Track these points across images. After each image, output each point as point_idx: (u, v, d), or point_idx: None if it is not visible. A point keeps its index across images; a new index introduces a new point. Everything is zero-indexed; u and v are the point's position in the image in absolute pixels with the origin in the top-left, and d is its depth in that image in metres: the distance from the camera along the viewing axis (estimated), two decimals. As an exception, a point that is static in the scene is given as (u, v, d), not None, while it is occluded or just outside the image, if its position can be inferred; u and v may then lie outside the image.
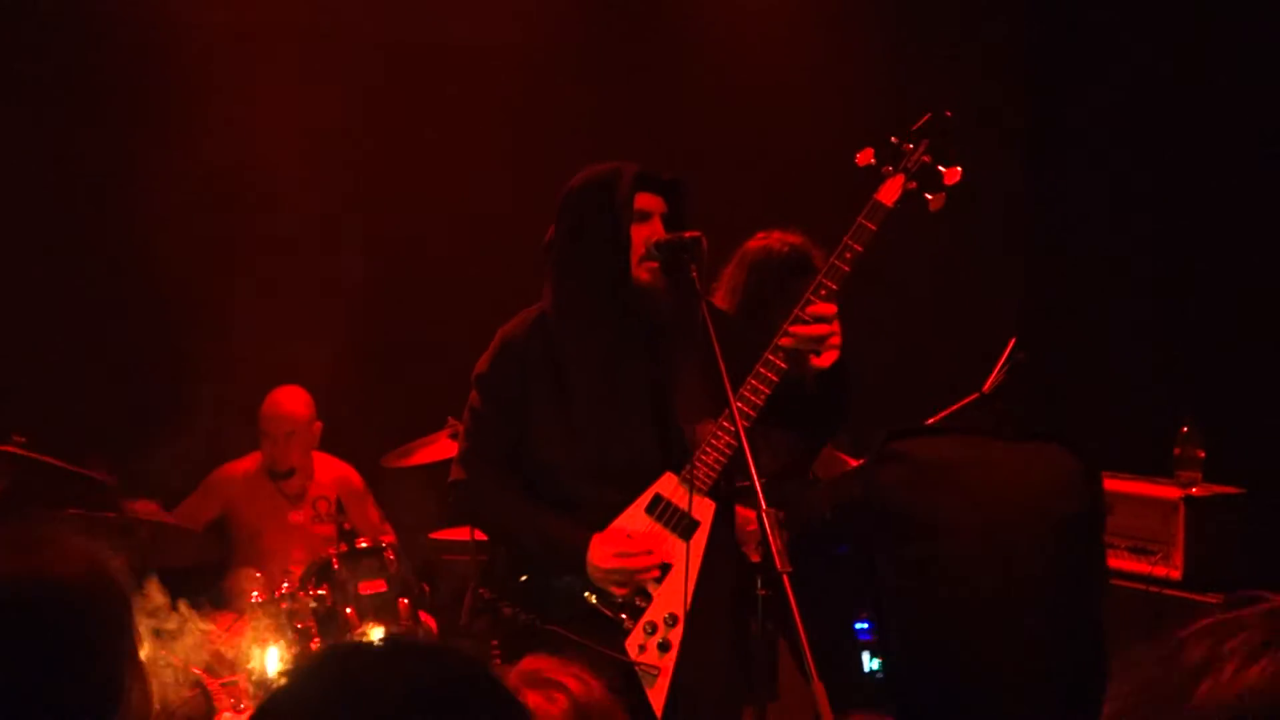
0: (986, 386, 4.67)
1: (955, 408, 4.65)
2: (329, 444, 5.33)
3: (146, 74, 5.43)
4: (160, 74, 5.43)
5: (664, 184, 3.40)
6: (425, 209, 5.74)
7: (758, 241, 4.37)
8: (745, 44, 6.21)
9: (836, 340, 3.22)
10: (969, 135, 3.39)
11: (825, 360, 3.21)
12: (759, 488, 2.85)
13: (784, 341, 3.22)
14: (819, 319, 3.20)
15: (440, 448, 4.82)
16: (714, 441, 3.26)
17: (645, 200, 3.35)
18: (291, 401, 5.14)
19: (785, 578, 2.74)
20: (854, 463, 4.60)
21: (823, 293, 3.23)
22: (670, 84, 6.07)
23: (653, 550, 3.26)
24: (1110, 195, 6.06)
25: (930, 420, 4.62)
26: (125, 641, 1.52)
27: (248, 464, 5.23)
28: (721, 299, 4.13)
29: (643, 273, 3.32)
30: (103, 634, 1.49)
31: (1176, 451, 4.83)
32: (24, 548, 1.49)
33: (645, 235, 3.32)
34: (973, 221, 3.36)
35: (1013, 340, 4.67)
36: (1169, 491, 4.74)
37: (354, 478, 5.33)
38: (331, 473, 5.29)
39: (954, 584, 1.60)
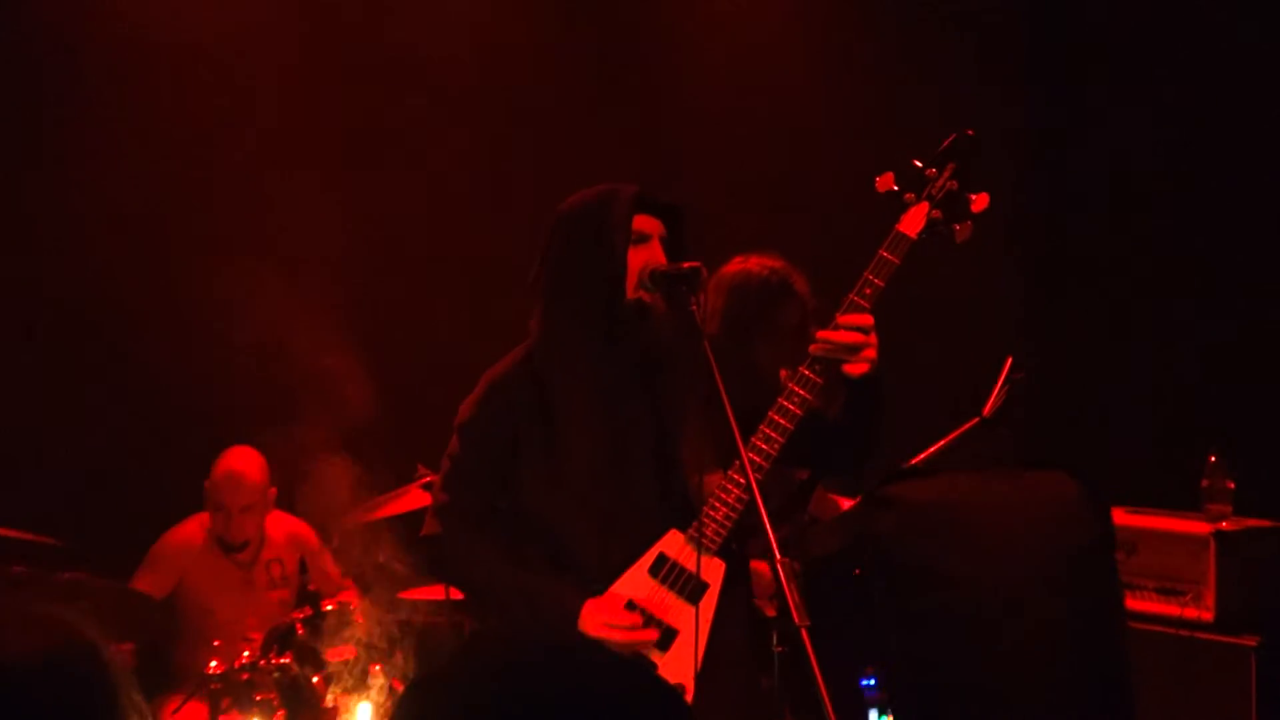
0: (987, 410, 4.66)
1: (955, 435, 4.63)
2: (283, 501, 5.25)
3: (117, 92, 5.38)
4: (133, 96, 5.40)
5: (663, 208, 3.37)
6: (398, 242, 5.73)
7: (735, 266, 4.37)
8: (741, 59, 6.23)
9: (871, 354, 3.18)
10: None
11: (858, 369, 3.17)
12: (772, 537, 2.81)
13: (814, 349, 3.19)
14: (853, 328, 3.17)
15: (411, 499, 4.74)
16: (723, 496, 3.21)
17: (643, 222, 3.33)
18: (247, 470, 5.01)
19: (804, 632, 2.69)
20: (845, 503, 4.58)
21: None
22: (665, 102, 6.10)
23: (650, 619, 3.21)
24: (1131, 214, 6.08)
25: (930, 450, 4.61)
26: None
27: (194, 530, 5.11)
28: None
29: (640, 300, 3.30)
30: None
31: (1205, 483, 4.82)
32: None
33: (644, 259, 3.30)
34: (979, 240, 3.30)
35: (1009, 359, 4.66)
36: (1198, 526, 4.74)
37: (307, 534, 5.26)
38: (282, 531, 5.21)
39: (971, 637, 1.55)
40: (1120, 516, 4.99)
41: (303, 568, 5.08)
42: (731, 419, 2.97)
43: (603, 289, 3.28)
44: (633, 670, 1.21)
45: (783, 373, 3.89)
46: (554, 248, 3.37)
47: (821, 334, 3.20)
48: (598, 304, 3.29)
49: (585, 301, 3.30)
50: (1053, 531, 1.55)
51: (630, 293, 3.28)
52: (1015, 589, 1.55)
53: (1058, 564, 1.57)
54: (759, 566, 3.56)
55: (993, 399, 4.65)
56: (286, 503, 5.22)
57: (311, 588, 4.77)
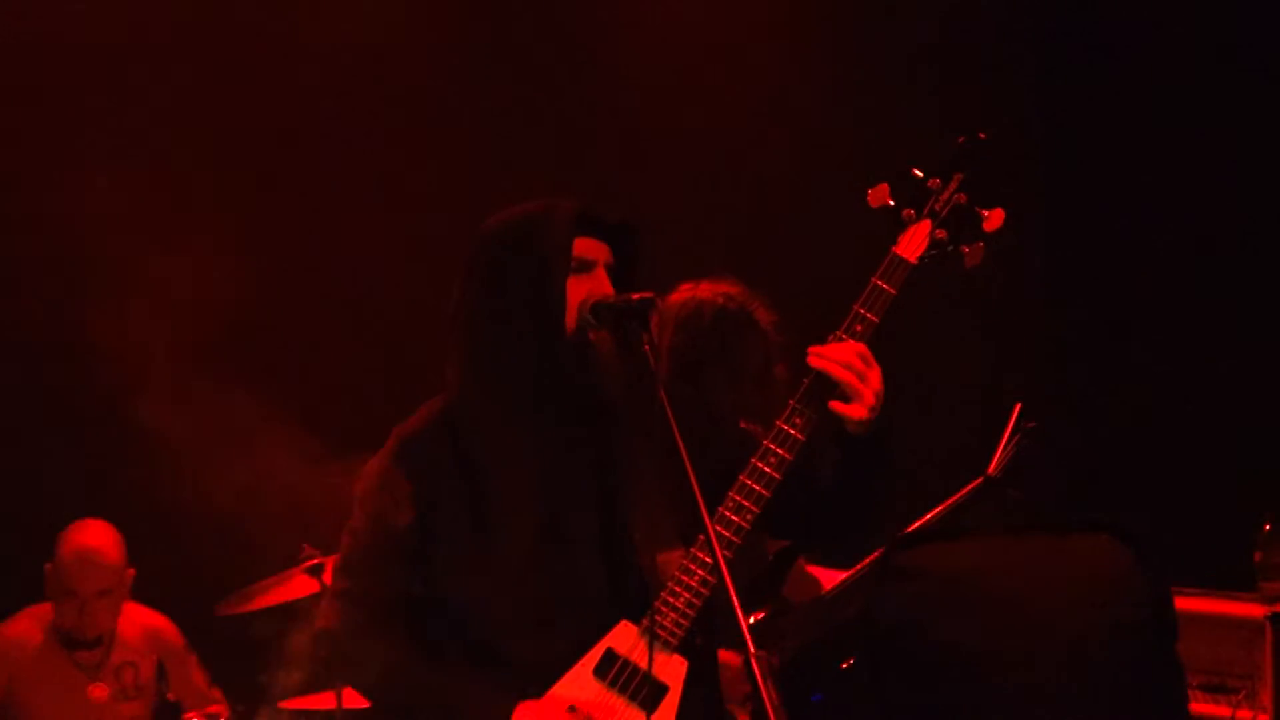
0: (993, 468, 4.69)
1: (956, 498, 4.65)
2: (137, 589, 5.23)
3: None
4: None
5: (609, 229, 3.37)
6: (289, 270, 5.79)
7: (683, 294, 4.40)
8: (702, 49, 6.27)
9: (870, 397, 3.15)
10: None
11: (855, 410, 3.15)
12: (745, 628, 2.80)
13: (812, 361, 3.17)
14: (843, 364, 3.15)
15: (295, 586, 4.68)
16: (684, 578, 3.19)
17: (586, 246, 3.32)
18: (103, 546, 5.00)
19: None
20: (829, 577, 4.57)
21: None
22: (612, 103, 6.13)
23: None
24: (1166, 242, 6.15)
25: (926, 516, 4.63)
26: None
27: (28, 626, 5.06)
28: None
29: (581, 339, 3.28)
30: None
31: (1258, 557, 4.85)
32: None
33: (588, 290, 3.29)
34: (990, 264, 3.32)
35: (1018, 407, 4.68)
36: (1250, 609, 4.77)
37: (169, 631, 5.24)
38: (136, 627, 5.15)
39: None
40: (1156, 598, 5.01)
41: (161, 673, 5.00)
42: (694, 484, 2.96)
43: (537, 327, 3.27)
44: None
45: (743, 424, 3.89)
46: (475, 278, 3.36)
47: (815, 349, 3.18)
48: (530, 346, 3.28)
49: (515, 343, 3.29)
50: (1098, 609, 1.54)
51: (570, 331, 3.27)
52: (1054, 677, 1.54)
53: (1105, 647, 1.56)
54: (729, 658, 3.55)
55: (999, 454, 4.68)
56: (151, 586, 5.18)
57: (171, 697, 4.70)
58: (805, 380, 3.21)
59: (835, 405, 3.16)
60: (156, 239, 5.51)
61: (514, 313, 3.29)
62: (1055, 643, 1.44)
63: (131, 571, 5.09)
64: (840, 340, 3.20)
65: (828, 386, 3.18)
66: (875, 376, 3.17)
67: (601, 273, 3.32)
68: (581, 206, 3.32)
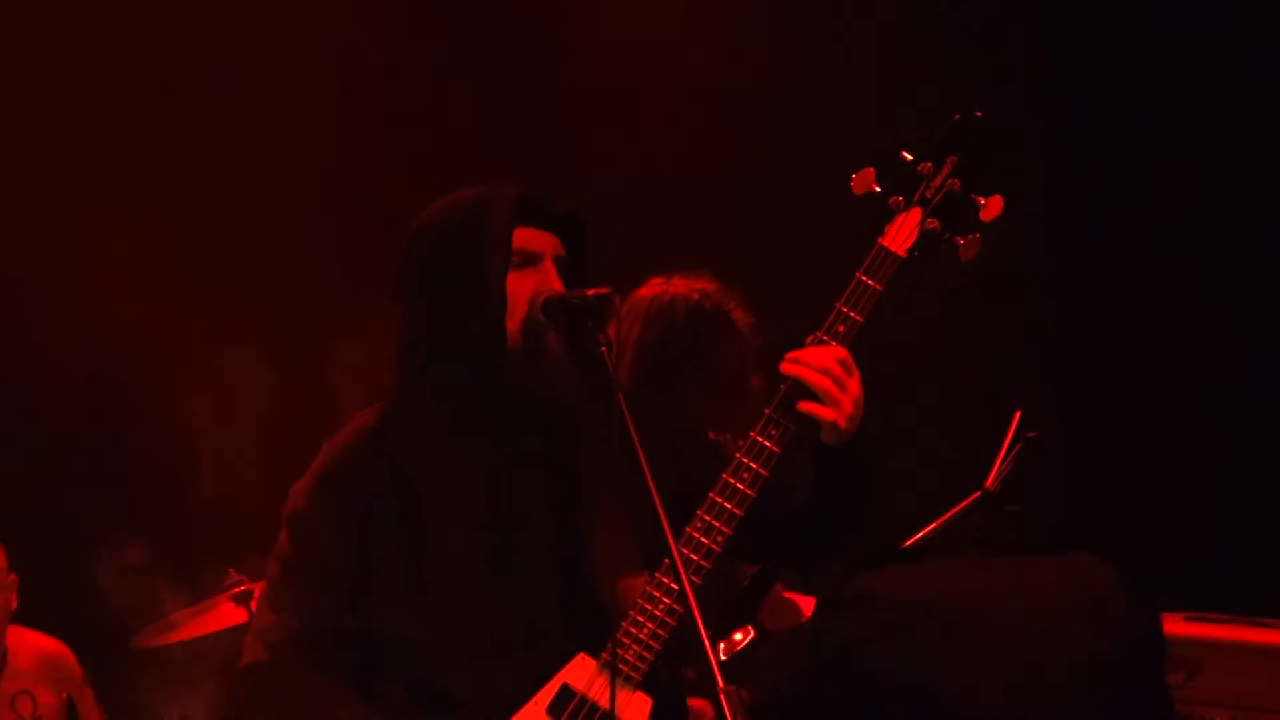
0: (990, 481, 4.72)
1: (950, 514, 4.68)
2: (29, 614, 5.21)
3: None
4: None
5: (557, 219, 3.38)
6: (217, 268, 5.81)
7: (653, 289, 4.42)
8: (661, 45, 6.29)
9: (848, 405, 3.16)
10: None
11: (829, 414, 3.16)
12: (714, 661, 2.77)
13: (785, 369, 3.18)
14: (819, 368, 3.17)
15: (219, 616, 4.67)
16: (648, 607, 3.20)
17: (531, 238, 3.33)
18: None
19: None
20: (810, 604, 4.60)
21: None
22: (563, 81, 6.16)
23: None
24: (1188, 224, 6.17)
25: (919, 534, 4.65)
26: None
27: None
28: None
29: (530, 341, 3.28)
30: None
31: (1289, 580, 4.88)
32: None
33: (534, 285, 3.29)
34: (988, 257, 3.33)
35: (1018, 414, 4.70)
36: (1281, 637, 4.79)
37: (66, 658, 5.23)
38: (31, 652, 5.16)
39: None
40: (1177, 627, 5.01)
41: (70, 709, 5.00)
42: (658, 503, 2.96)
43: (476, 329, 3.27)
44: None
45: (712, 435, 3.90)
46: (408, 275, 3.37)
47: (791, 355, 3.20)
48: (470, 350, 3.28)
49: (452, 347, 3.30)
50: (1080, 636, 1.55)
51: (515, 333, 3.28)
52: (1012, 710, 1.55)
53: (1087, 681, 1.56)
54: (698, 705, 3.56)
55: (996, 467, 4.70)
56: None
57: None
58: (781, 388, 3.22)
59: (809, 407, 3.17)
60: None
61: (450, 312, 3.29)
62: (1013, 672, 1.44)
63: (14, 577, 5.07)
64: (821, 342, 3.21)
65: (805, 395, 3.19)
66: (855, 384, 3.18)
67: (549, 266, 3.32)
68: (523, 193, 3.32)
